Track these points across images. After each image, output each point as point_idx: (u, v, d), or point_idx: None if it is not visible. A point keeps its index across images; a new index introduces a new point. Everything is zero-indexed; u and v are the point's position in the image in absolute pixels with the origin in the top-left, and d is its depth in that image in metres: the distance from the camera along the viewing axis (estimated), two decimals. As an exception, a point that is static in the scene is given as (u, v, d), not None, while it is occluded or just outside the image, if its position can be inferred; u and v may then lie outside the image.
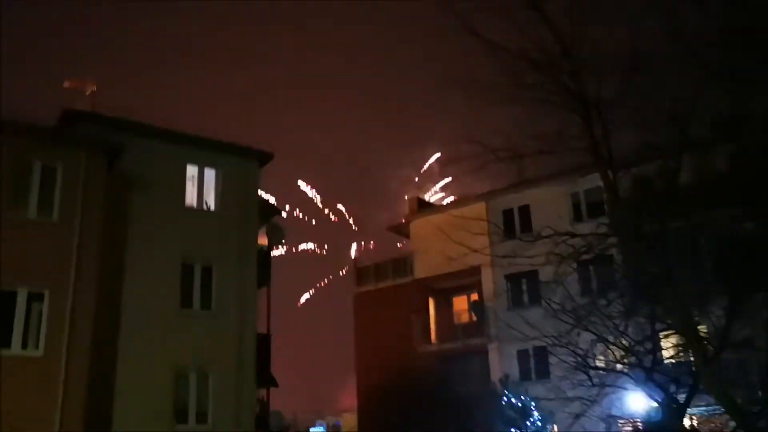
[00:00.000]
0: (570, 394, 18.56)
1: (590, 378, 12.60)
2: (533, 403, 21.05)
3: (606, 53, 9.72)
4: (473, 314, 29.35)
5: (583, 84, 10.11)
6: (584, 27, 9.66)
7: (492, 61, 9.42)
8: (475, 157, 10.26)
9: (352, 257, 50.54)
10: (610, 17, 9.38)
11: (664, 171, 11.05)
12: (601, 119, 10.28)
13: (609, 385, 14.65)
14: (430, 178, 54.39)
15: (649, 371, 12.22)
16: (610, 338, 12.67)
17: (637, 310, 13.42)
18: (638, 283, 13.29)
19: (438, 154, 54.72)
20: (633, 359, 13.23)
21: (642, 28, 9.42)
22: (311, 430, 45.94)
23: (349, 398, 43.39)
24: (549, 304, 12.48)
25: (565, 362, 18.34)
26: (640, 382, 13.04)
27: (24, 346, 15.45)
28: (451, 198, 51.61)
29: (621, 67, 9.75)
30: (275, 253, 24.52)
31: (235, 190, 20.94)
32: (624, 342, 12.26)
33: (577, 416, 12.81)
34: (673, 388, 11.67)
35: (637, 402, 19.80)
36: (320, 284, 53.33)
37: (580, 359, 14.18)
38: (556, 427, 22.30)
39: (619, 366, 14.18)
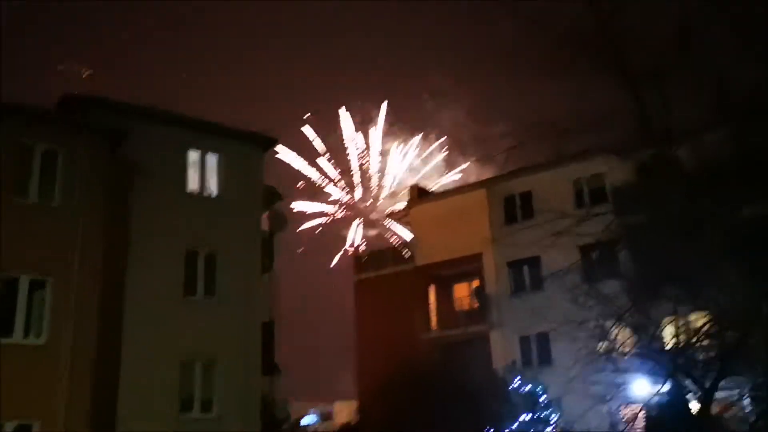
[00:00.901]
0: (581, 380, 18.53)
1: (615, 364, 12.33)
2: (541, 390, 20.94)
3: (652, 26, 9.45)
4: (475, 301, 29.19)
5: (629, 58, 9.84)
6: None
7: (533, 38, 9.14)
8: (513, 135, 9.91)
9: (353, 244, 50.03)
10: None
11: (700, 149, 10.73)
12: (652, 93, 9.99)
13: (630, 372, 14.63)
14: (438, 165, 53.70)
15: (675, 355, 12.03)
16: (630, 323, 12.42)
17: (660, 294, 13.30)
18: (658, 267, 13.19)
19: (444, 138, 53.87)
20: (655, 344, 13.14)
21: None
22: (304, 418, 45.77)
23: (344, 385, 43.33)
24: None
25: (583, 348, 18.27)
26: (660, 367, 12.94)
27: (26, 334, 15.15)
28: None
29: (667, 40, 9.48)
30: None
31: (238, 176, 20.62)
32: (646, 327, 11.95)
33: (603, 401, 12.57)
34: (699, 373, 11.42)
35: (641, 388, 19.80)
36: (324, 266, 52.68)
37: (605, 344, 14.12)
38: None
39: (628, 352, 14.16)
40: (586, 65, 9.89)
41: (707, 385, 11.68)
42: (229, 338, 19.19)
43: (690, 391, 12.43)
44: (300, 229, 53.49)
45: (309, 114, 54.26)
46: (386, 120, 54.60)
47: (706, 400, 11.49)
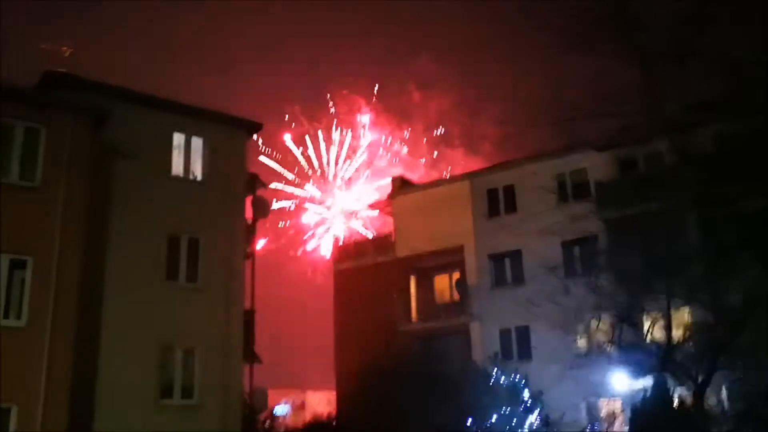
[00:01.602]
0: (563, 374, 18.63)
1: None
2: (523, 383, 21.02)
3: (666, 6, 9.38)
4: (457, 293, 29.21)
5: (642, 38, 9.76)
6: None
7: (541, 16, 9.04)
8: (519, 121, 9.81)
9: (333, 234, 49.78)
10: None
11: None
12: (666, 74, 9.94)
13: (613, 366, 14.72)
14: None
15: (666, 349, 12.12)
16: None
17: (651, 287, 13.39)
18: (647, 261, 13.25)
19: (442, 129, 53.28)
20: (642, 338, 13.24)
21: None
22: (276, 408, 45.50)
23: (320, 375, 43.15)
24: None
25: (565, 342, 18.28)
26: (647, 361, 13.05)
27: (6, 315, 14.79)
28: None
29: (682, 20, 9.40)
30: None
31: (222, 160, 20.37)
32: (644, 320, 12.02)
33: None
34: (693, 369, 11.50)
35: (620, 382, 19.98)
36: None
37: (588, 339, 14.19)
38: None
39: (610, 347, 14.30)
40: (598, 45, 9.79)
41: (700, 379, 11.77)
42: (210, 325, 18.97)
43: (677, 385, 12.55)
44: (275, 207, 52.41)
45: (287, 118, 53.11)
46: (375, 108, 54.01)
47: (699, 394, 11.56)
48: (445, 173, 46.14)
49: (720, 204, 11.35)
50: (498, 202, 28.84)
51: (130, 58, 49.18)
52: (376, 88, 53.27)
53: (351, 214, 51.35)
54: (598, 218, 22.94)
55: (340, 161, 52.98)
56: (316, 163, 53.10)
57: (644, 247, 15.94)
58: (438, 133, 52.69)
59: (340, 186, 52.92)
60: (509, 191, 28.67)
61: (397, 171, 44.53)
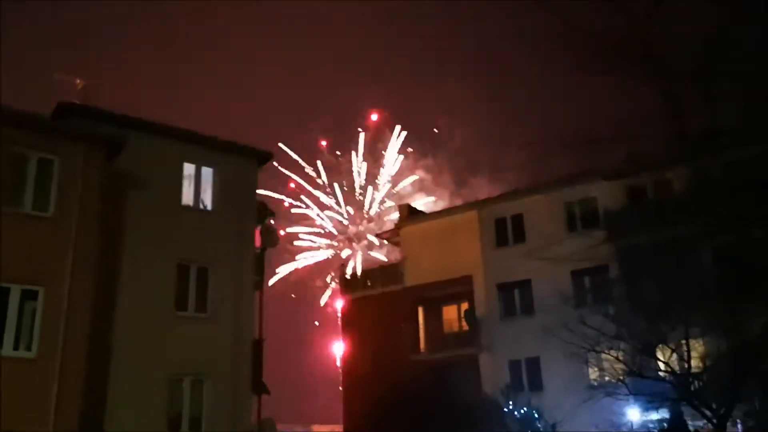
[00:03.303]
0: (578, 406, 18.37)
1: (627, 386, 12.23)
2: (536, 414, 20.75)
3: (688, 29, 9.40)
4: (465, 323, 28.99)
5: (664, 60, 9.76)
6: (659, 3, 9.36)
7: (565, 42, 9.06)
8: (539, 144, 9.80)
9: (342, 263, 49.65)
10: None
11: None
12: (689, 97, 9.93)
13: (629, 398, 14.49)
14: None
15: (685, 381, 11.94)
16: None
17: (669, 317, 13.25)
18: (663, 291, 13.12)
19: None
20: (655, 369, 13.05)
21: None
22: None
23: (327, 407, 42.73)
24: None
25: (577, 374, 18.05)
26: (665, 393, 12.85)
27: (16, 347, 14.68)
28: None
29: (704, 43, 9.41)
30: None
31: (232, 190, 20.38)
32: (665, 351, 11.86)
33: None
34: (713, 400, 11.32)
35: (636, 413, 19.71)
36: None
37: (600, 371, 14.00)
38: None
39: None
40: (619, 69, 9.80)
41: (722, 410, 11.57)
42: (219, 355, 18.82)
43: (694, 417, 12.34)
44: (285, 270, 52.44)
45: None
46: (399, 135, 54.06)
47: (719, 426, 11.37)
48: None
49: (737, 231, 11.28)
50: (506, 231, 28.78)
51: (141, 86, 49.55)
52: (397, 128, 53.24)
53: (366, 242, 51.24)
54: (608, 247, 22.90)
55: (362, 188, 53.11)
56: (338, 192, 53.23)
57: (658, 275, 15.86)
58: (460, 161, 52.50)
59: (361, 215, 53.00)
60: (518, 220, 28.62)
61: (422, 198, 44.57)
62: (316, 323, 51.51)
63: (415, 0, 55.07)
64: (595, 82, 9.61)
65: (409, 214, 32.40)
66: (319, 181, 53.48)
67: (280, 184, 52.23)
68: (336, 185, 53.41)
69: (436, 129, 54.14)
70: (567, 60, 9.20)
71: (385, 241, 35.67)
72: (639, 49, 9.71)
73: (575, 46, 9.29)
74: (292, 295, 51.75)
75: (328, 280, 51.50)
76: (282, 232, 48.28)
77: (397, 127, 53.13)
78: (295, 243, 52.34)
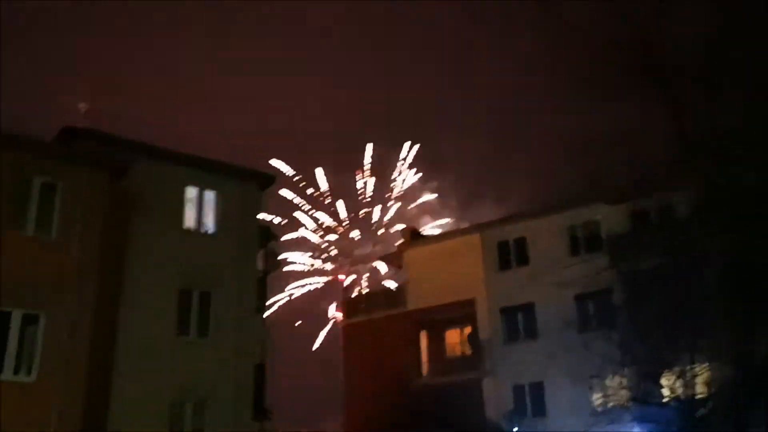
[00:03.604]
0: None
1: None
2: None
3: (689, 31, 9.39)
4: (468, 347, 28.79)
5: (666, 64, 9.74)
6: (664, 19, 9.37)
7: (567, 55, 9.06)
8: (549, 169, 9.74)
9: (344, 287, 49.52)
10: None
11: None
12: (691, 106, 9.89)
13: (634, 425, 14.34)
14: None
15: (691, 407, 11.81)
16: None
17: (672, 343, 13.14)
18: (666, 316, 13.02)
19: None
20: (660, 395, 12.92)
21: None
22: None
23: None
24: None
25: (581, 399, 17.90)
26: (669, 419, 12.71)
27: (16, 371, 14.58)
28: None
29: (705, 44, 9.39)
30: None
31: (235, 213, 20.38)
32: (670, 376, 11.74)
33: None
34: (719, 427, 11.18)
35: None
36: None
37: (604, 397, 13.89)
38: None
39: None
40: (625, 89, 9.79)
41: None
42: (221, 380, 18.69)
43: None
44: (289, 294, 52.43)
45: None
46: (406, 157, 54.23)
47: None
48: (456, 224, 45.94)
49: (744, 256, 11.20)
50: (509, 254, 28.65)
51: (145, 109, 49.77)
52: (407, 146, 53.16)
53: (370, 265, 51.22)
54: (611, 271, 22.75)
55: (370, 210, 53.17)
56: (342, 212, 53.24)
57: (662, 301, 15.74)
58: (466, 182, 52.51)
59: (367, 237, 53.03)
60: (521, 243, 28.51)
61: (428, 220, 44.53)
62: (316, 346, 51.30)
63: (417, 25, 55.36)
64: (599, 95, 9.58)
65: (413, 237, 32.32)
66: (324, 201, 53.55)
67: (284, 205, 52.16)
68: (341, 205, 53.45)
69: (426, 145, 54.19)
70: (570, 73, 9.20)
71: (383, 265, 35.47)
72: (640, 53, 9.69)
73: (575, 55, 9.29)
74: (298, 323, 51.59)
75: (331, 312, 51.38)
76: (286, 256, 48.31)
77: (406, 144, 53.21)
78: (297, 268, 52.25)
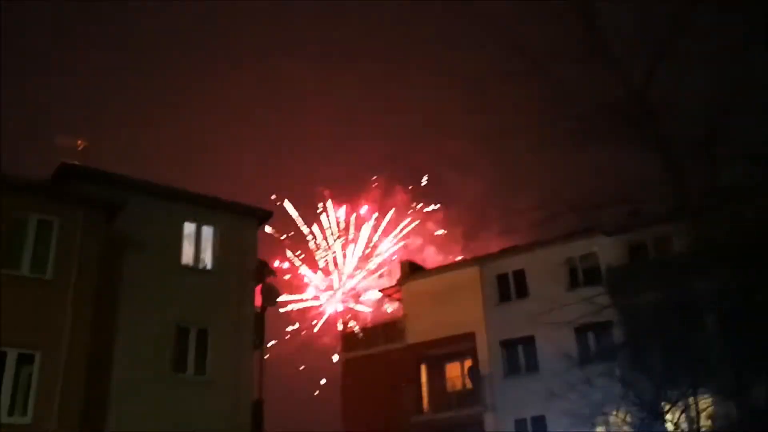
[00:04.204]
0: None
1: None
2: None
3: (686, 94, 9.50)
4: (469, 381, 28.50)
5: (663, 125, 9.83)
6: (658, 69, 9.48)
7: (562, 109, 9.15)
8: (541, 209, 9.76)
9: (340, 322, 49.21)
10: (686, 61, 9.21)
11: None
12: (690, 162, 9.95)
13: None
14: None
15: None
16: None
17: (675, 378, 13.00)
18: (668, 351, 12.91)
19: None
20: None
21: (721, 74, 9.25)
22: None
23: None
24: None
25: None
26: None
27: (11, 412, 14.38)
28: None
29: (703, 109, 9.50)
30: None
31: (232, 249, 20.30)
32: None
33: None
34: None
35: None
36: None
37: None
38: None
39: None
40: (620, 136, 9.86)
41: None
42: (219, 417, 18.40)
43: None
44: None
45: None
46: (403, 194, 54.42)
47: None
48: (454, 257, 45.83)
49: (741, 293, 11.15)
50: (509, 287, 28.56)
51: (141, 145, 49.96)
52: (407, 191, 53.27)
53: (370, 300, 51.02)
54: (611, 305, 22.63)
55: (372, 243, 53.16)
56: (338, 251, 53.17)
57: (663, 335, 15.63)
58: (466, 219, 52.53)
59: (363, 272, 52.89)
60: (520, 276, 28.44)
61: (429, 252, 44.39)
62: (323, 381, 50.77)
63: (411, 66, 55.81)
64: (594, 146, 9.66)
65: (411, 270, 32.21)
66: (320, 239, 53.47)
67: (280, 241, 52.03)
68: (337, 243, 53.40)
69: (428, 180, 54.31)
70: (565, 126, 9.29)
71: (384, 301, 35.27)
72: (637, 116, 9.80)
73: (573, 113, 9.39)
74: (301, 367, 51.19)
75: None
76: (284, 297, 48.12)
77: (387, 214, 53.56)
78: (294, 307, 52.04)
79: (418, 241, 53.40)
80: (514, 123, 9.13)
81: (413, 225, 53.76)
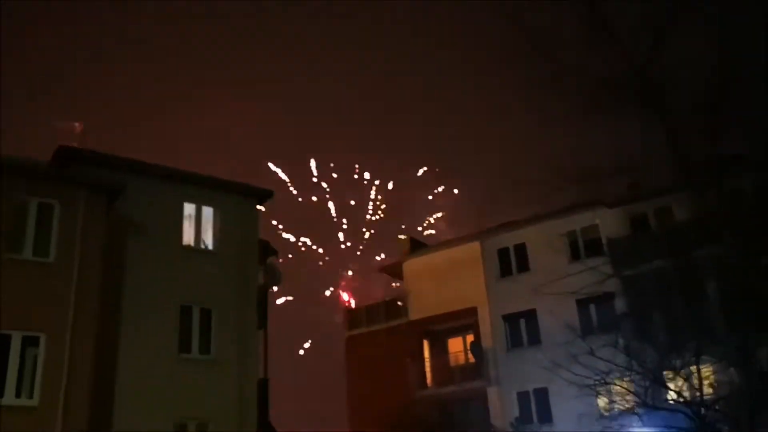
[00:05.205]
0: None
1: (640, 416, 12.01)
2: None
3: (686, 66, 9.45)
4: (472, 356, 28.68)
5: (665, 97, 9.79)
6: (661, 42, 9.43)
7: (565, 84, 9.11)
8: (547, 181, 9.75)
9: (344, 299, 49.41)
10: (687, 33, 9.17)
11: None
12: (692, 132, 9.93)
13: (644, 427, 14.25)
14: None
15: (699, 411, 11.73)
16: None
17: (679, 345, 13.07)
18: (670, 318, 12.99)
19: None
20: (666, 397, 12.84)
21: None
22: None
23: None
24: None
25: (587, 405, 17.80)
26: (684, 421, 12.61)
27: (18, 394, 14.47)
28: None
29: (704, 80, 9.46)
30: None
31: (234, 229, 20.29)
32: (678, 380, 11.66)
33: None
34: (727, 429, 11.10)
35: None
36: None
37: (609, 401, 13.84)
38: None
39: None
40: (622, 109, 9.83)
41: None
42: (224, 397, 18.52)
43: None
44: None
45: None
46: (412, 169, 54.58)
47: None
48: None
49: (743, 260, 11.16)
50: (510, 261, 28.69)
51: (140, 126, 49.69)
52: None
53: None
54: (613, 274, 22.69)
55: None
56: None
57: (665, 304, 15.71)
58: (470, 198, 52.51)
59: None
60: (521, 250, 28.54)
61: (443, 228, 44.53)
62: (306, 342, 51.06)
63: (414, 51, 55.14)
64: (597, 120, 9.62)
65: (413, 246, 32.27)
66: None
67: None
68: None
69: (439, 158, 54.25)
70: (568, 101, 9.25)
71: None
72: (640, 88, 9.75)
73: (576, 89, 9.35)
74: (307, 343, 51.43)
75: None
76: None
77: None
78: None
79: (432, 217, 53.63)
80: (518, 99, 9.09)
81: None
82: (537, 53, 9.04)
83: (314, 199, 54.27)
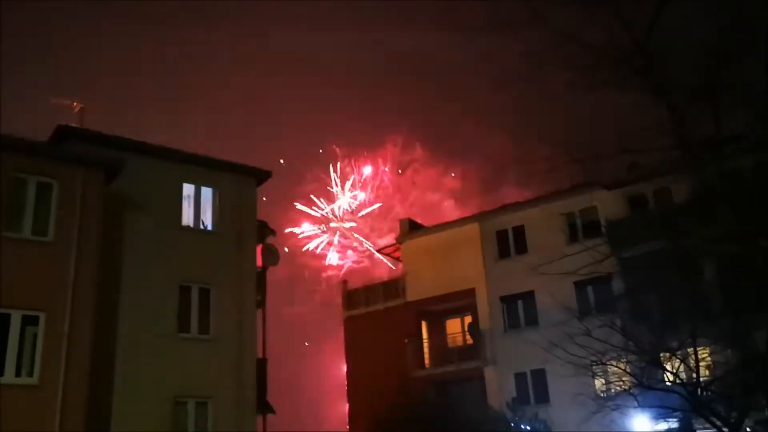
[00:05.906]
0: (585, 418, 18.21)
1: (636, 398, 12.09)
2: (544, 428, 20.55)
3: (687, 41, 9.38)
4: (469, 337, 28.82)
5: (666, 73, 9.73)
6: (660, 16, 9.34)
7: (563, 57, 9.05)
8: (547, 159, 9.73)
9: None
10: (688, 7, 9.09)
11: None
12: (693, 109, 9.88)
13: (637, 408, 14.34)
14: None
15: (695, 392, 11.79)
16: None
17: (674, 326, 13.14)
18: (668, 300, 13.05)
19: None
20: (661, 378, 12.94)
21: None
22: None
23: (332, 425, 42.40)
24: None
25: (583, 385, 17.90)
26: (677, 403, 12.71)
27: (18, 373, 14.55)
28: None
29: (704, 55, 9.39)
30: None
31: (232, 209, 20.34)
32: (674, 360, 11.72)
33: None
34: (722, 408, 11.18)
35: (644, 424, 19.50)
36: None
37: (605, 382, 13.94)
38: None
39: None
40: (621, 84, 9.78)
41: (732, 419, 11.43)
42: (223, 376, 18.70)
43: (704, 427, 12.25)
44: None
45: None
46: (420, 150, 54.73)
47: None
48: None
49: (741, 241, 11.18)
50: (508, 243, 28.70)
51: (139, 107, 49.40)
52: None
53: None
54: (611, 257, 22.72)
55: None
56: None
57: (662, 285, 15.76)
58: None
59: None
60: (519, 232, 28.54)
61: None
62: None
63: (415, 26, 54.51)
64: (597, 98, 9.59)
65: (410, 228, 32.28)
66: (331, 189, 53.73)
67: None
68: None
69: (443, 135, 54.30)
70: (567, 75, 9.20)
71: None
72: (640, 62, 9.70)
73: (575, 62, 9.29)
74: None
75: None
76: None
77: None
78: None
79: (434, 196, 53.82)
80: (515, 73, 9.04)
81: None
82: (534, 18, 8.96)
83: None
